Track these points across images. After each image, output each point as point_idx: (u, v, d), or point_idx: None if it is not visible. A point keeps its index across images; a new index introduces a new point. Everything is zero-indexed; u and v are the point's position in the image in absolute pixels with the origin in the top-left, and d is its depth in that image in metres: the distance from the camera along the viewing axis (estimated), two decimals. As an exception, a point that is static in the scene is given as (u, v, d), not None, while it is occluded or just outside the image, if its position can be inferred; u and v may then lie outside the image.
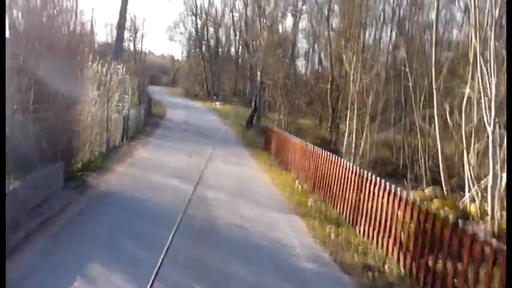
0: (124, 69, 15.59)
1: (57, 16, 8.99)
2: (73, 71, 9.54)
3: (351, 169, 8.52)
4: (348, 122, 15.32)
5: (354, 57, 14.36)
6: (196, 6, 55.62)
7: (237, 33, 55.28)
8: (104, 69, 13.32)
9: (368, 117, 14.24)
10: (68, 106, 9.27)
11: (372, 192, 7.43)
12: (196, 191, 9.44)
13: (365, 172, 7.90)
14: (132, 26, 62.14)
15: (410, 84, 13.66)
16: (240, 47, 54.97)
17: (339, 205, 8.95)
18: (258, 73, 27.79)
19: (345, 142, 15.35)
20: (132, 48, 63.49)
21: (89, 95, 11.05)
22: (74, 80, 9.56)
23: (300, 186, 11.33)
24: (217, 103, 45.40)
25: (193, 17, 56.78)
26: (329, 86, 20.34)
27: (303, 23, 29.20)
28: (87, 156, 11.11)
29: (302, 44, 50.61)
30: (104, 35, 58.39)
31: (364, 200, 7.70)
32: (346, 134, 15.33)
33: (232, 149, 18.13)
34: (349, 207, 8.36)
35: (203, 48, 57.77)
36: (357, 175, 8.12)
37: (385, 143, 19.44)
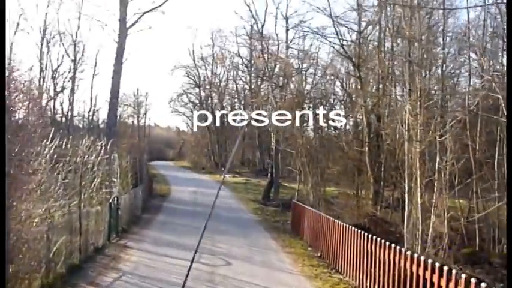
0: (108, 146, 12.06)
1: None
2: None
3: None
4: (406, 194, 11.43)
5: (407, 108, 10.82)
6: (200, 77, 53.87)
7: (242, 101, 53.13)
8: (77, 149, 9.80)
9: (440, 184, 10.36)
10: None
11: None
12: None
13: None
14: (135, 101, 60.55)
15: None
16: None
17: None
18: (273, 140, 24.44)
19: (405, 222, 11.35)
20: (136, 123, 61.56)
21: (41, 187, 7.39)
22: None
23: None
24: (227, 175, 41.88)
25: (197, 88, 54.95)
26: (366, 149, 16.63)
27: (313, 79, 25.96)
28: (40, 281, 7.19)
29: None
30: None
31: None
32: (407, 211, 11.37)
33: (253, 236, 14.11)
34: None
35: (208, 119, 55.44)
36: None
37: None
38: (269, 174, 26.53)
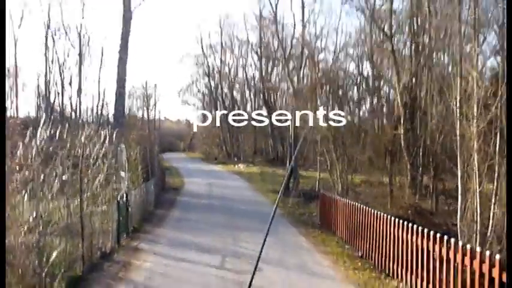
0: (115, 137, 10.58)
1: None
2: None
3: None
4: (459, 181, 9.80)
5: (458, 80, 9.16)
6: (209, 66, 52.20)
7: (252, 90, 51.46)
8: (76, 140, 8.34)
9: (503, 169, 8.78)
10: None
11: None
12: None
13: None
14: (144, 93, 59.04)
15: None
16: (256, 103, 50.95)
17: None
18: (291, 130, 22.82)
19: (459, 213, 9.75)
20: (145, 117, 60.15)
21: (30, 187, 5.94)
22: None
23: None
24: (240, 165, 40.52)
25: (206, 78, 53.38)
26: (402, 131, 14.85)
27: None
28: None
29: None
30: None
31: None
32: (460, 201, 9.76)
33: (280, 233, 12.52)
34: None
35: (218, 108, 53.95)
36: None
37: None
38: (289, 164, 25.01)
